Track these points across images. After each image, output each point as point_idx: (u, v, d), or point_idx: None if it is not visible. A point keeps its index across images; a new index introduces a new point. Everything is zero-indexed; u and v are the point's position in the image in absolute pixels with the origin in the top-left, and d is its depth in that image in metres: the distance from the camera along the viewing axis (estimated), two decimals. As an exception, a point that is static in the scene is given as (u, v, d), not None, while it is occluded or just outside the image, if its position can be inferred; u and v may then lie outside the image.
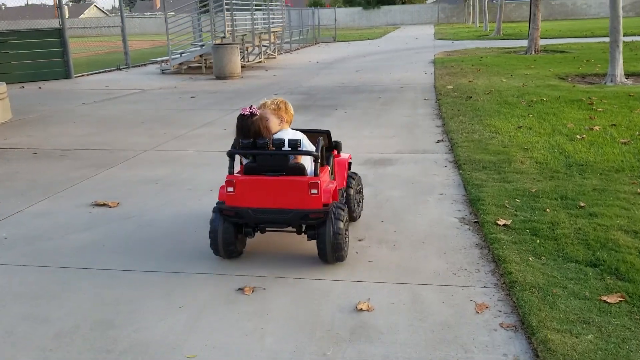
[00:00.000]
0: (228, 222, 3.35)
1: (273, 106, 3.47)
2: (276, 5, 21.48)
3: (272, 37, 20.88)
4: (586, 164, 5.14)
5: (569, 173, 4.90)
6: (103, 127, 8.14)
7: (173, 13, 17.44)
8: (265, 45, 20.41)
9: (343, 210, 3.30)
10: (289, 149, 3.22)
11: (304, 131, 3.61)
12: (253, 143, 3.25)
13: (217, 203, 3.42)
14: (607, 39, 22.47)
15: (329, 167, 3.59)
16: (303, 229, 3.42)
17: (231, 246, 3.40)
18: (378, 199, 4.58)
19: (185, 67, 16.94)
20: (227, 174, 3.34)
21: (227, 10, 15.76)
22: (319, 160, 3.25)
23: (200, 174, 5.51)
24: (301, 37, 28.41)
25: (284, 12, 21.50)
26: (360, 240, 3.74)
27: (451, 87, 10.70)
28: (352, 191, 3.88)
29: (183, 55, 16.21)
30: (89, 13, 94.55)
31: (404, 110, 8.76)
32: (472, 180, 4.80)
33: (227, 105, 9.77)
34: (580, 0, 60.26)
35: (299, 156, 3.31)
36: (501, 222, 3.81)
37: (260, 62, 19.22)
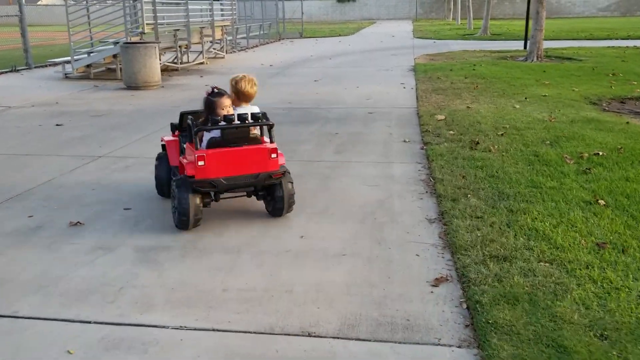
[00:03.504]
0: (197, 195, 3.65)
1: (235, 85, 3.95)
2: (225, -6, 17.78)
3: (220, 33, 17.21)
4: None
5: None
6: None
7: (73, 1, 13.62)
8: (211, 42, 16.74)
9: (289, 171, 3.95)
10: (252, 121, 3.73)
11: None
12: (223, 118, 3.64)
13: (176, 180, 3.75)
14: (616, 43, 19.51)
15: None
16: (255, 192, 3.96)
17: (199, 216, 3.70)
18: None
19: (103, 68, 13.23)
20: (195, 149, 3.65)
21: (147, -3, 12.04)
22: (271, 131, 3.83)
23: None
24: (262, 32, 24.74)
25: (235, 3, 17.82)
26: None
27: (442, 117, 7.24)
28: None
29: (91, 55, 12.48)
30: (48, 0, 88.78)
31: (370, 167, 5.27)
32: None
33: (93, 146, 6.15)
34: (564, -3, 57.59)
35: (253, 128, 3.79)
36: None
37: (202, 63, 15.55)
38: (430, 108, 7.93)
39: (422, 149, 5.89)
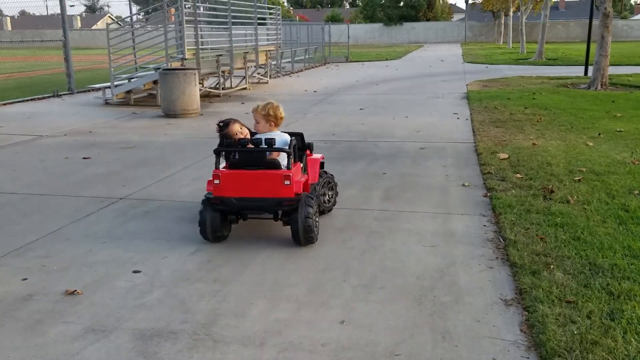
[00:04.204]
0: (215, 211, 3.84)
1: (263, 112, 4.03)
2: (271, 19, 17.39)
3: (264, 58, 16.80)
4: None
5: None
6: None
7: (119, 24, 13.46)
8: (255, 67, 16.30)
9: (313, 199, 3.85)
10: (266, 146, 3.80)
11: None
12: (238, 142, 3.86)
13: (205, 195, 3.91)
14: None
15: (302, 164, 4.09)
16: (279, 216, 3.92)
17: (218, 232, 3.91)
18: None
19: (145, 94, 12.92)
20: (214, 168, 3.86)
21: (188, 23, 11.65)
22: (292, 157, 3.81)
23: None
24: (307, 56, 24.34)
25: (280, 28, 17.42)
26: None
27: (505, 155, 6.40)
28: (319, 186, 4.37)
29: (131, 81, 12.16)
30: (104, 24, 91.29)
31: (425, 220, 4.48)
32: None
33: (116, 184, 5.58)
34: (621, 21, 55.60)
35: (274, 153, 3.87)
36: None
37: (245, 88, 15.12)
38: (490, 144, 7.10)
39: (485, 196, 5.07)
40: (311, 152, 4.32)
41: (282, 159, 3.93)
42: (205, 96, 13.39)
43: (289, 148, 3.83)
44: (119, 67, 12.58)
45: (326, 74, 20.17)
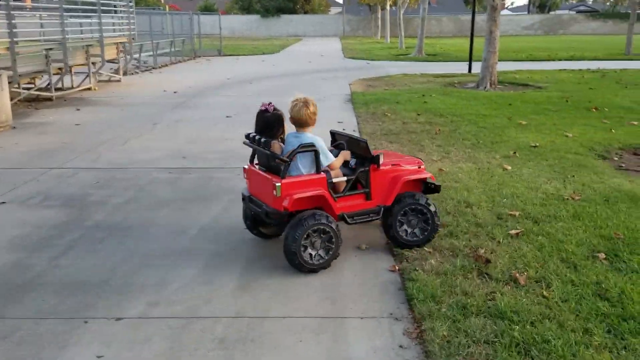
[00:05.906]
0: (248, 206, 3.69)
1: (289, 107, 3.59)
2: (122, 5, 14.75)
3: (114, 52, 14.20)
4: None
5: None
6: None
7: None
8: (102, 62, 13.63)
9: (304, 225, 3.23)
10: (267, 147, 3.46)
11: (343, 135, 3.86)
12: (253, 138, 3.54)
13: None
14: (565, 65, 17.70)
15: (354, 178, 3.54)
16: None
17: (248, 222, 3.77)
18: None
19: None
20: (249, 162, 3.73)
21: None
22: (289, 165, 3.33)
23: None
24: (173, 49, 21.78)
25: (133, 17, 14.81)
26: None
27: (409, 190, 4.76)
28: (394, 211, 3.59)
29: None
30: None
31: (304, 337, 2.67)
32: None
33: None
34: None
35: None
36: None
37: (89, 89, 12.51)
38: (386, 169, 5.44)
39: (393, 270, 3.36)
40: (378, 166, 3.58)
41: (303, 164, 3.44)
42: (33, 100, 10.72)
43: (289, 155, 3.32)
44: None
45: (194, 70, 17.87)
